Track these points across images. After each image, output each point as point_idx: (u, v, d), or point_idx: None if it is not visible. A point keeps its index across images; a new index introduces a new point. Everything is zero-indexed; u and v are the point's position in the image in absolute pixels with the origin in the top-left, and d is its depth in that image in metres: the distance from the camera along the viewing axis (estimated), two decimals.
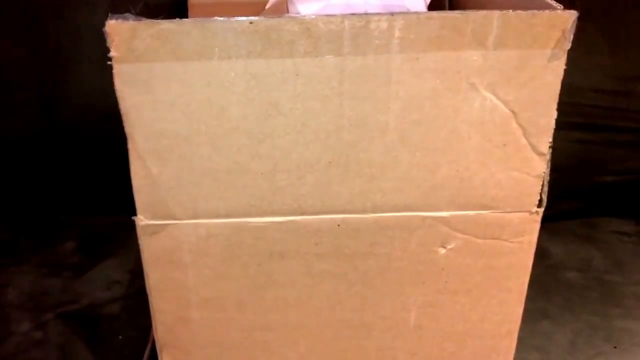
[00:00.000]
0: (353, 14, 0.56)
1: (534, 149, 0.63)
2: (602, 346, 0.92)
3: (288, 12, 0.82)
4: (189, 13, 0.94)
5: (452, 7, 0.95)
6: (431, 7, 0.83)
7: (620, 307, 1.00)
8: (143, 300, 0.75)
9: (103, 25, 0.56)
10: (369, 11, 0.71)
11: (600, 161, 1.22)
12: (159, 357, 0.75)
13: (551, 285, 1.05)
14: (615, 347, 0.91)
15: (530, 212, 0.67)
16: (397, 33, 0.57)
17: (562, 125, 1.15)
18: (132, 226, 0.66)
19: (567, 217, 1.23)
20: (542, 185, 0.66)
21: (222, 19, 0.56)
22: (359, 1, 0.76)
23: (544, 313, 0.98)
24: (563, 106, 1.13)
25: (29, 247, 1.14)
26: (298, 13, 0.80)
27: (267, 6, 0.89)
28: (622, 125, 1.18)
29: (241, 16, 0.56)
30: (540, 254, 1.09)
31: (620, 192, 1.23)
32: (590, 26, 1.13)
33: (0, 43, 1.14)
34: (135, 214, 0.66)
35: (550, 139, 0.63)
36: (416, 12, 0.58)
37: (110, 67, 0.58)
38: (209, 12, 0.92)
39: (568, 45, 0.59)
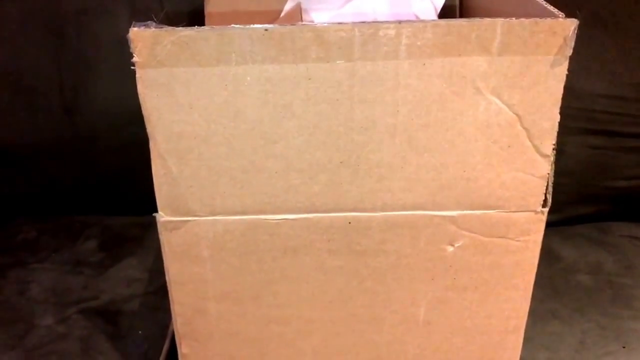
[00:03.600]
0: (363, 22, 0.58)
1: (538, 150, 0.65)
2: (611, 346, 0.92)
3: (302, 20, 0.84)
4: (207, 22, 0.95)
5: (462, 17, 0.97)
6: (441, 17, 0.84)
7: (631, 309, 1.00)
8: (162, 297, 0.76)
9: (123, 34, 0.59)
10: (378, 19, 0.73)
11: (612, 166, 1.21)
12: (178, 349, 0.77)
13: (562, 287, 1.05)
14: (624, 347, 0.92)
15: (536, 212, 0.68)
16: (404, 40, 0.59)
17: (574, 131, 1.17)
18: (150, 226, 0.68)
19: (579, 221, 1.24)
20: (547, 186, 0.67)
21: (238, 26, 0.58)
22: (368, 10, 0.78)
23: (554, 314, 0.98)
24: (575, 112, 1.15)
25: (51, 245, 1.15)
26: (312, 21, 0.83)
27: (282, 15, 0.91)
28: (634, 131, 1.18)
29: (257, 24, 0.59)
30: (552, 257, 1.10)
31: (632, 196, 1.23)
32: (601, 33, 1.14)
33: (24, 52, 1.16)
34: (154, 213, 0.68)
35: (554, 141, 0.65)
36: (422, 20, 0.60)
37: (130, 74, 0.61)
38: (226, 20, 0.94)
39: (569, 52, 0.60)
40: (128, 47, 0.59)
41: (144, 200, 0.71)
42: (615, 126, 1.18)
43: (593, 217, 1.26)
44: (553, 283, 1.06)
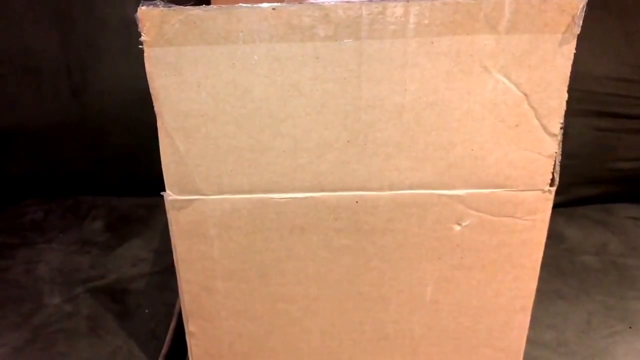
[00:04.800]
0: (371, 1, 0.59)
1: (546, 129, 0.65)
2: (617, 326, 0.92)
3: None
4: (213, 1, 0.95)
5: None
6: None
7: (636, 289, 0.99)
8: (168, 276, 0.76)
9: (130, 16, 0.59)
10: None
11: (617, 148, 1.21)
12: (185, 326, 0.77)
13: (567, 268, 1.05)
14: (630, 327, 0.91)
15: (543, 191, 0.68)
16: (412, 18, 0.59)
17: (579, 113, 1.17)
18: (156, 207, 0.68)
19: (583, 202, 1.24)
20: (554, 165, 0.67)
21: (246, 5, 0.59)
22: None
23: (560, 294, 0.98)
24: (579, 94, 1.14)
25: (59, 226, 1.16)
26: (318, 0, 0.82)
27: None
28: (638, 113, 1.17)
29: (265, 3, 0.59)
30: (557, 238, 1.09)
31: (636, 178, 1.23)
32: (606, 15, 1.13)
33: (32, 34, 1.16)
34: (159, 194, 0.68)
35: (562, 120, 0.65)
36: None
37: (137, 56, 0.61)
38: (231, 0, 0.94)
39: (577, 30, 0.60)
40: (135, 29, 0.60)
41: (149, 182, 0.71)
42: (620, 108, 1.18)
43: (597, 198, 1.25)
44: (558, 263, 1.05)
